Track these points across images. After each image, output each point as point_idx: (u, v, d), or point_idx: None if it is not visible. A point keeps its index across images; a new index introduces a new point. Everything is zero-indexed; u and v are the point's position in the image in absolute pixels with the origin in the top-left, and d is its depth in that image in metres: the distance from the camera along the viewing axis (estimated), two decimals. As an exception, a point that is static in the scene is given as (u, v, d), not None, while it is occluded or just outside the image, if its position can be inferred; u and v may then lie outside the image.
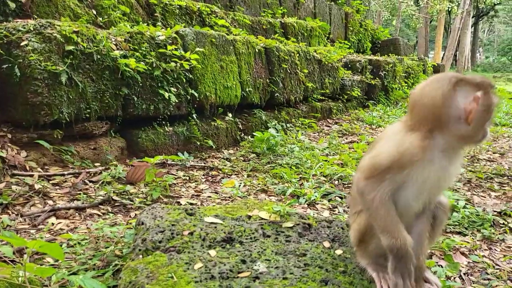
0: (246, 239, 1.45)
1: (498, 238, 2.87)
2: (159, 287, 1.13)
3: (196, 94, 4.30)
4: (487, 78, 1.36)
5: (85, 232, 2.23)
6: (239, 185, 3.41)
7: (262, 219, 1.59)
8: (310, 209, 3.12)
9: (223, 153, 4.46)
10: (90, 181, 3.09)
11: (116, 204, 2.78)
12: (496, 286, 2.33)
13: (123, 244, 1.95)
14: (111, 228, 2.15)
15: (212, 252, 1.34)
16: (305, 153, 4.43)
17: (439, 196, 1.49)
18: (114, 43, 3.65)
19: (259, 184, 3.57)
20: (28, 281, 1.37)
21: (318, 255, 1.38)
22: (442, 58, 25.83)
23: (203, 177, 3.66)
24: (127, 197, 2.90)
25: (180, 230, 1.48)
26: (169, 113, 4.07)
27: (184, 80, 4.19)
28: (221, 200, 3.13)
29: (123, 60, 3.51)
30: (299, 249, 1.38)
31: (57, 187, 2.90)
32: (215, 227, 1.51)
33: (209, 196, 3.19)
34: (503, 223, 3.10)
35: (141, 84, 3.77)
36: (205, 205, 2.99)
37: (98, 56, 3.44)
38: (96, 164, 3.43)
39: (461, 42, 26.51)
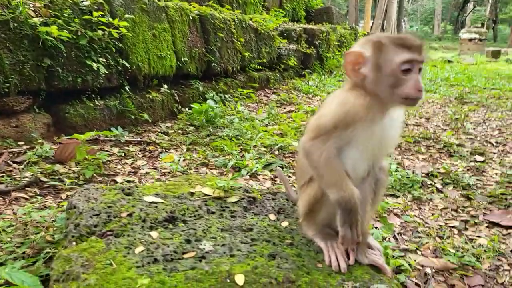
0: (190, 217, 1.39)
1: (426, 198, 3.08)
2: (96, 276, 1.05)
3: (127, 65, 4.05)
4: (404, 38, 1.38)
5: (11, 218, 2.04)
6: (179, 160, 3.31)
7: (206, 195, 1.54)
8: (253, 180, 3.12)
9: (160, 126, 4.30)
10: (14, 162, 2.83)
11: (45, 185, 2.58)
12: (426, 243, 2.51)
13: (54, 229, 1.80)
14: (40, 212, 1.98)
15: (154, 234, 1.27)
16: (245, 124, 4.40)
17: (382, 159, 1.54)
18: (33, 9, 3.29)
19: (199, 157, 3.49)
20: None
21: (265, 228, 1.37)
22: (371, 27, 26.72)
23: (139, 152, 3.50)
24: (56, 177, 2.69)
25: (117, 212, 1.39)
26: (99, 86, 3.81)
27: (114, 49, 3.92)
28: (161, 176, 3.02)
29: (44, 28, 3.19)
30: (245, 224, 1.35)
31: (-26, 170, 2.62)
32: (156, 207, 1.43)
33: (147, 173, 3.07)
34: (430, 184, 3.32)
35: (65, 55, 3.47)
36: (143, 182, 2.87)
37: (15, 24, 3.09)
38: (20, 143, 3.14)
39: (388, 12, 27.51)
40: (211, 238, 1.27)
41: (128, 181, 2.83)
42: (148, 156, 3.47)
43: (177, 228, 1.32)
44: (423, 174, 3.49)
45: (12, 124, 3.20)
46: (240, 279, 1.07)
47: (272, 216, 1.45)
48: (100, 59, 3.76)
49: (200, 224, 1.34)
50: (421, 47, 1.36)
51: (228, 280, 1.05)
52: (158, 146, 3.70)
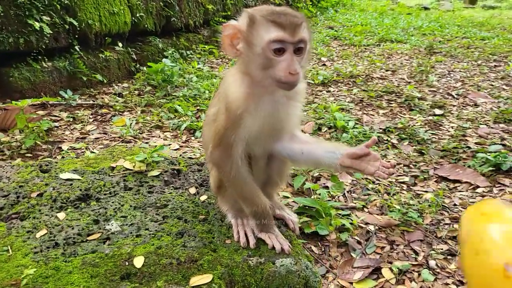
0: (105, 194, 1.34)
1: (381, 154, 3.09)
2: (-11, 265, 1.00)
3: (75, 23, 3.82)
4: (278, 14, 1.23)
5: None
6: (131, 123, 3.22)
7: (127, 169, 1.49)
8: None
9: (115, 88, 4.14)
10: (-51, 133, 2.69)
11: (-18, 157, 2.48)
12: (374, 200, 2.54)
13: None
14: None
15: (61, 215, 1.22)
16: (204, 82, 4.27)
17: (281, 138, 1.44)
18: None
19: (153, 120, 3.40)
20: None
21: (180, 204, 1.33)
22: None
23: (91, 116, 3.39)
24: (-4, 147, 2.59)
25: (28, 192, 1.33)
26: (45, 47, 3.59)
27: (59, 6, 3.67)
28: (110, 141, 2.94)
29: (-28, -15, 2.94)
30: (161, 200, 1.31)
31: None
32: (71, 184, 1.38)
33: (97, 138, 2.98)
34: (387, 140, 3.33)
35: (3, 14, 3.23)
36: (91, 148, 2.79)
37: None
38: (-42, 111, 2.98)
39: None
40: (121, 217, 1.23)
41: (75, 148, 2.75)
42: (100, 120, 3.36)
43: (88, 207, 1.27)
44: (381, 130, 3.50)
45: (-51, 91, 3.02)
46: (139, 261, 1.04)
47: (193, 190, 1.41)
48: (44, 17, 3.53)
49: (113, 202, 1.30)
50: (296, 26, 1.21)
51: (126, 263, 1.02)
52: (111, 109, 3.58)
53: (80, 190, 1.33)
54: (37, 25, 3.41)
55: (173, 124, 3.29)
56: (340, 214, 2.33)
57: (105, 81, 4.12)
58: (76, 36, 3.90)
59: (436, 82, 4.91)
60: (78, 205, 1.27)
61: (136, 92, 4.06)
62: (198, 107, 3.70)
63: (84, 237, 1.13)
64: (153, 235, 1.15)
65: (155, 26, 5.00)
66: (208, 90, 4.03)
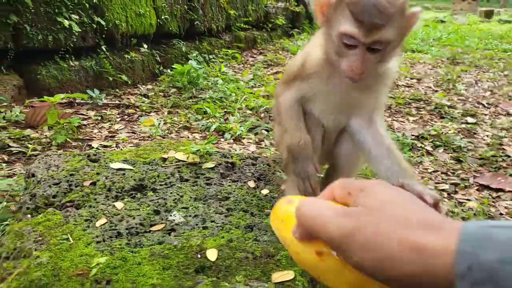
0: (161, 185, 1.26)
1: (416, 161, 2.99)
2: (50, 254, 0.92)
3: (103, 23, 3.79)
4: (362, 6, 1.11)
5: (-27, 187, 1.89)
6: (159, 123, 3.15)
7: (179, 161, 1.41)
8: (236, 144, 2.98)
9: (140, 88, 4.10)
10: (-20, 127, 2.64)
11: (14, 152, 2.41)
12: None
13: (20, 198, 1.67)
14: (6, 180, 1.83)
15: (119, 204, 1.14)
16: (230, 85, 4.21)
17: (351, 118, 1.41)
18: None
19: (180, 121, 3.33)
20: None
21: (243, 197, 1.24)
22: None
23: (118, 116, 3.33)
24: (27, 143, 2.52)
25: (80, 180, 1.25)
26: (72, 45, 3.56)
27: (88, 5, 3.65)
28: (139, 140, 2.87)
29: (6, -20, 2.91)
30: (222, 192, 1.22)
31: None
32: (123, 174, 1.30)
33: (126, 137, 2.91)
34: (421, 146, 3.23)
35: (33, 11, 3.20)
36: (120, 147, 2.72)
37: (-28, -25, 2.81)
38: (-13, 106, 2.94)
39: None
40: (183, 208, 1.14)
41: (105, 146, 2.68)
42: (127, 119, 3.29)
43: (145, 197, 1.19)
44: (413, 137, 3.40)
45: (-22, 87, 2.98)
46: (212, 254, 0.95)
47: (252, 183, 1.33)
48: (73, 15, 3.50)
49: (171, 193, 1.22)
50: (375, 27, 1.09)
51: (199, 256, 0.94)
52: (137, 109, 3.52)
53: (134, 180, 1.25)
54: (66, 23, 3.38)
55: (202, 125, 3.22)
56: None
57: (129, 82, 4.08)
58: (103, 36, 3.87)
59: (464, 91, 4.81)
60: (134, 195, 1.19)
61: (161, 93, 4.01)
62: (226, 110, 3.63)
63: (147, 227, 1.05)
64: (220, 228, 1.07)
65: (179, 29, 4.97)
66: (234, 93, 3.97)
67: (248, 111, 3.66)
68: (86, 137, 2.80)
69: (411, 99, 4.37)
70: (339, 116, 1.40)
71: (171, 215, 1.10)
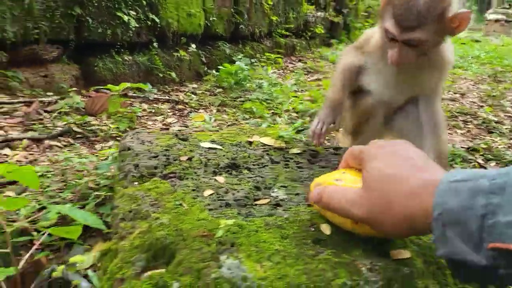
0: (254, 165, 1.28)
1: (468, 172, 2.94)
2: (169, 216, 0.95)
3: (157, 20, 3.90)
4: (404, 9, 1.31)
5: (48, 165, 1.96)
6: (210, 119, 3.20)
7: (265, 145, 1.43)
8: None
9: (187, 86, 4.17)
10: (45, 111, 2.74)
11: (78, 136, 2.49)
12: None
13: (96, 176, 1.72)
14: (80, 159, 1.89)
15: (220, 179, 1.16)
16: (275, 88, 4.25)
17: (406, 96, 1.60)
18: (63, -47, 3.13)
19: (229, 119, 3.37)
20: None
21: (337, 181, 1.26)
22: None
23: (169, 110, 3.40)
24: (89, 128, 2.60)
25: (176, 155, 1.29)
26: (128, 40, 3.67)
27: (145, 3, 3.76)
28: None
29: (75, -27, 3.03)
30: (315, 175, 1.23)
31: (6, 116, 2.53)
32: (215, 153, 1.33)
33: (179, 130, 2.96)
34: (471, 159, 3.17)
35: (96, 4, 3.32)
36: (176, 139, 2.76)
37: (45, -33, 2.94)
38: (49, 93, 3.04)
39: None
40: (282, 186, 1.15)
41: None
42: (178, 114, 3.36)
43: (242, 175, 1.21)
44: (463, 149, 3.34)
45: (41, 74, 3.10)
46: (326, 228, 0.96)
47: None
48: (131, 11, 3.61)
49: (266, 172, 1.23)
50: (409, 27, 1.29)
51: (312, 229, 0.94)
52: (187, 106, 3.59)
53: (227, 158, 1.27)
54: (125, 18, 3.49)
55: (251, 124, 3.25)
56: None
57: (177, 79, 4.16)
58: (156, 33, 3.98)
59: (510, 108, 4.71)
60: (230, 171, 1.21)
61: (207, 92, 4.07)
62: (272, 111, 3.66)
63: (252, 201, 1.06)
64: (323, 207, 1.08)
65: (224, 31, 5.06)
66: (280, 95, 4.00)
67: (295, 114, 3.68)
68: (143, 128, 2.86)
69: (457, 113, 4.31)
70: (393, 93, 1.57)
71: (273, 192, 1.11)
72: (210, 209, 0.99)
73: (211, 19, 4.72)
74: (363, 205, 0.76)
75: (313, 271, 0.77)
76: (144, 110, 3.22)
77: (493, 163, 3.15)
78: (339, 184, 0.86)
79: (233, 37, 5.32)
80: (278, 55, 5.68)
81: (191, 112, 3.43)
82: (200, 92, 4.04)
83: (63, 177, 1.75)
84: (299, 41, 7.00)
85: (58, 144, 2.32)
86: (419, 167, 0.74)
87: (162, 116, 3.21)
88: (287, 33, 6.62)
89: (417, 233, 0.79)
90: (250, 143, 1.44)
